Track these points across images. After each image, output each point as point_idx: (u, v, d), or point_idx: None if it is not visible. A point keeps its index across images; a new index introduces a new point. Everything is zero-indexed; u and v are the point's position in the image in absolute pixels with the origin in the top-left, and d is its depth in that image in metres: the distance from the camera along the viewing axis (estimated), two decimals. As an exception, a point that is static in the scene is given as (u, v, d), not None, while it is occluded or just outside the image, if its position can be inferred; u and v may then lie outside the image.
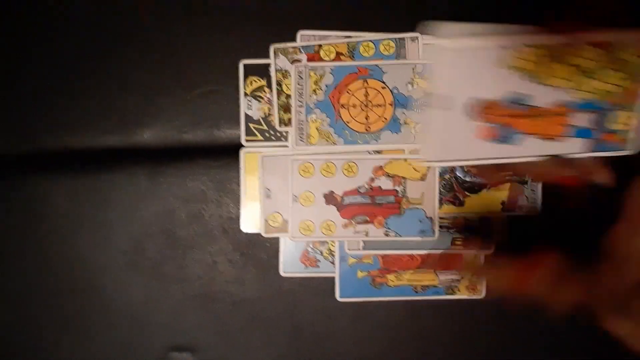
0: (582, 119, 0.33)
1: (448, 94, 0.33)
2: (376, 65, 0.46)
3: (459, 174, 0.47)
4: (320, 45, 0.47)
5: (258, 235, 0.48)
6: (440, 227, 0.47)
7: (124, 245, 0.48)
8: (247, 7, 0.48)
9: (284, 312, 0.49)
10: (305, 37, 0.47)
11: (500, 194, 0.47)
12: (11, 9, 0.48)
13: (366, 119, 0.46)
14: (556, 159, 0.34)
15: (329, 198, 0.47)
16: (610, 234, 0.38)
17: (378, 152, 0.47)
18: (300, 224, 0.47)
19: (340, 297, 0.48)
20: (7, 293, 0.49)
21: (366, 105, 0.46)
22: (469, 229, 0.48)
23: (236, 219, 0.48)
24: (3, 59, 0.48)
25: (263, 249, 0.49)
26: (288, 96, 0.47)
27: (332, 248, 0.48)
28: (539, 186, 0.47)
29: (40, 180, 0.48)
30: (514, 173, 0.45)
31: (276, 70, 0.47)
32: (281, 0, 0.48)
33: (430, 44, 0.32)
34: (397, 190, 0.47)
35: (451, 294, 0.48)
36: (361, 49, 0.46)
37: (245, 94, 0.47)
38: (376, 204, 0.47)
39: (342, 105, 0.46)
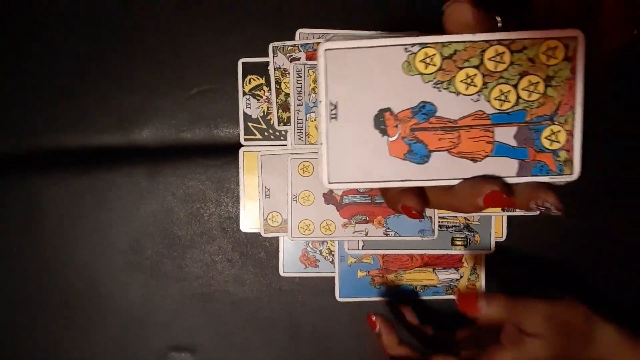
0: (507, 135, 0.27)
1: (346, 102, 0.27)
2: (375, 63, 0.46)
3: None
4: (319, 44, 0.46)
5: (257, 234, 0.48)
6: (440, 226, 0.47)
7: (122, 245, 0.48)
8: (246, 5, 0.47)
9: (283, 311, 0.49)
10: (304, 35, 0.47)
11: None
12: (11, 9, 0.48)
13: (365, 117, 0.46)
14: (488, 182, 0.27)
15: (329, 197, 0.47)
16: None
17: (377, 151, 0.47)
18: (299, 224, 0.47)
19: (340, 296, 0.48)
20: (5, 293, 0.49)
21: (365, 104, 0.46)
22: (470, 229, 0.47)
23: (235, 219, 0.48)
24: (2, 58, 0.48)
25: (262, 249, 0.48)
26: (287, 95, 0.47)
27: (331, 248, 0.48)
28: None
29: (39, 179, 0.48)
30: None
31: (275, 69, 0.47)
32: (280, -2, 0.47)
33: (327, 49, 0.26)
34: (396, 190, 0.46)
35: (451, 293, 0.48)
36: (360, 47, 0.46)
37: (244, 93, 0.47)
38: (376, 203, 0.47)
39: (341, 104, 0.46)
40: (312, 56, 0.46)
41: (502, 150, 0.27)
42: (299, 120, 0.46)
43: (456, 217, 0.47)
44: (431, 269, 0.48)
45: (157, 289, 0.48)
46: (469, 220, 0.47)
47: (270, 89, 0.47)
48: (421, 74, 0.27)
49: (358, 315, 0.48)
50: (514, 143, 0.27)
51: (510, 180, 0.27)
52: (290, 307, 0.49)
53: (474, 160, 0.27)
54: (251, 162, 0.47)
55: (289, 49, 0.46)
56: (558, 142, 0.27)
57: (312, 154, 0.47)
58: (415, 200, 0.27)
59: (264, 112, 0.47)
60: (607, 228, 0.48)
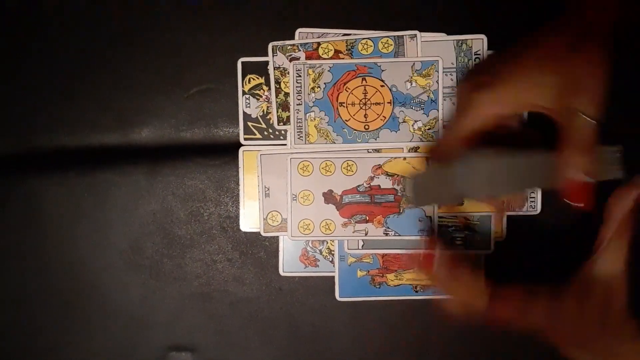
0: None
1: None
2: (375, 63, 0.46)
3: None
4: (318, 43, 0.46)
5: (257, 234, 0.48)
6: (440, 226, 0.47)
7: (122, 245, 0.48)
8: (246, 5, 0.47)
9: (283, 311, 0.49)
10: (304, 34, 0.47)
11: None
12: (10, 9, 0.48)
13: (365, 117, 0.46)
14: None
15: (328, 197, 0.47)
16: (585, 263, 0.37)
17: (377, 150, 0.47)
18: (299, 223, 0.47)
19: (340, 296, 0.48)
20: (5, 293, 0.49)
21: (365, 104, 0.46)
22: (469, 228, 0.47)
23: (235, 218, 0.48)
24: (2, 58, 0.48)
25: (262, 248, 0.48)
26: (287, 94, 0.47)
27: (331, 247, 0.48)
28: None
29: (38, 179, 0.48)
30: None
31: (274, 68, 0.47)
32: (280, -2, 0.48)
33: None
34: (396, 189, 0.47)
35: (451, 293, 0.48)
36: (360, 46, 0.46)
37: (244, 92, 0.47)
38: (375, 203, 0.47)
39: (341, 104, 0.46)
40: (311, 56, 0.47)
41: None
42: (299, 120, 0.46)
43: (456, 217, 0.47)
44: (431, 269, 0.48)
45: (156, 289, 0.48)
46: (468, 220, 0.47)
47: (269, 89, 0.47)
48: None
49: (358, 314, 0.48)
50: None
51: None
52: (290, 306, 0.48)
53: None
54: (251, 161, 0.47)
55: (288, 48, 0.47)
56: None
57: (311, 153, 0.47)
58: None
59: (263, 111, 0.47)
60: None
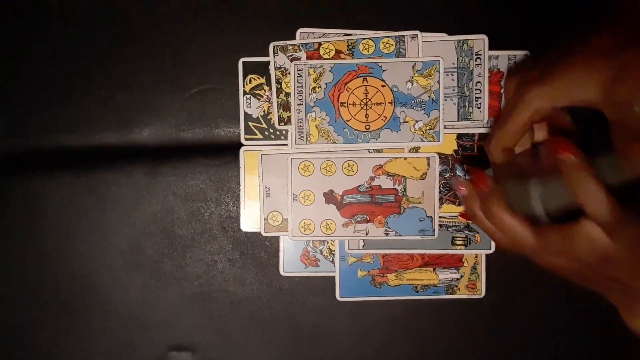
0: None
1: None
2: (376, 63, 0.46)
3: (459, 173, 0.46)
4: (319, 43, 0.46)
5: (258, 234, 0.48)
6: (440, 226, 0.47)
7: (122, 245, 0.48)
8: (247, 5, 0.47)
9: (283, 311, 0.49)
10: (305, 34, 0.47)
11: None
12: (11, 9, 0.48)
13: (366, 117, 0.46)
14: None
15: (329, 197, 0.47)
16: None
17: (378, 150, 0.47)
18: (300, 223, 0.47)
19: (340, 296, 0.48)
20: (5, 293, 0.49)
21: (366, 104, 0.46)
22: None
23: (236, 218, 0.48)
24: (2, 58, 0.48)
25: (263, 248, 0.48)
26: (287, 94, 0.47)
27: (332, 247, 0.48)
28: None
29: (38, 179, 0.48)
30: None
31: (275, 68, 0.47)
32: (280, -2, 0.48)
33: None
34: (397, 189, 0.47)
35: (451, 293, 0.48)
36: (361, 46, 0.46)
37: (245, 92, 0.47)
38: (376, 203, 0.47)
39: (342, 104, 0.46)
40: (312, 56, 0.47)
41: None
42: (300, 120, 0.46)
43: (456, 216, 0.47)
44: (431, 269, 0.48)
45: (157, 289, 0.48)
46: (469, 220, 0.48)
47: (270, 89, 0.47)
48: None
49: (358, 314, 0.48)
50: None
51: None
52: (290, 306, 0.48)
53: None
54: (252, 161, 0.47)
55: (289, 48, 0.46)
56: None
57: (312, 153, 0.47)
58: None
59: (264, 111, 0.47)
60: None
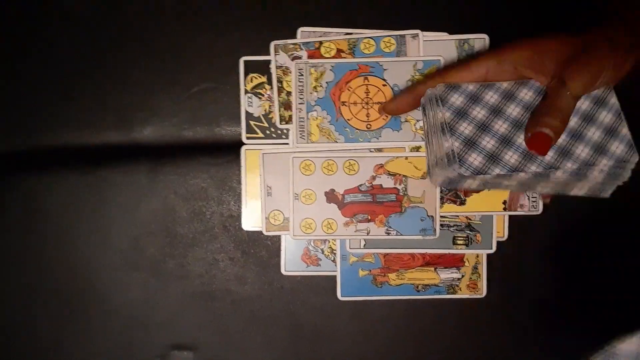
0: None
1: None
2: (377, 62, 0.46)
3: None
4: (320, 42, 0.46)
5: (259, 233, 0.48)
6: (442, 226, 0.47)
7: (124, 244, 0.48)
8: (248, 4, 0.47)
9: (284, 310, 0.48)
10: (306, 33, 0.47)
11: (501, 194, 0.47)
12: (11, 8, 0.48)
13: (367, 116, 0.46)
14: None
15: (330, 196, 0.47)
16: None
17: (379, 150, 0.47)
18: (301, 222, 0.47)
19: (342, 295, 0.48)
20: (6, 293, 0.49)
21: (367, 103, 0.46)
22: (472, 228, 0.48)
23: (237, 217, 0.48)
24: (2, 58, 0.48)
25: (264, 247, 0.48)
26: (289, 93, 0.47)
27: (333, 246, 0.48)
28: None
29: (39, 177, 0.48)
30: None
31: (277, 67, 0.47)
32: (282, -3, 0.48)
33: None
34: (398, 189, 0.47)
35: (452, 293, 0.48)
36: (362, 46, 0.46)
37: (246, 91, 0.47)
38: (377, 202, 0.47)
39: (343, 103, 0.46)
40: (313, 55, 0.47)
41: None
42: (301, 119, 0.46)
43: (457, 216, 0.47)
44: (433, 268, 0.48)
45: (158, 288, 0.48)
46: (470, 219, 0.48)
47: (272, 88, 0.47)
48: None
49: (359, 314, 0.48)
50: None
51: None
52: (291, 305, 0.48)
53: None
54: (253, 160, 0.47)
55: (290, 47, 0.47)
56: None
57: (313, 152, 0.47)
58: None
59: (265, 110, 0.47)
60: (608, 227, 0.48)
